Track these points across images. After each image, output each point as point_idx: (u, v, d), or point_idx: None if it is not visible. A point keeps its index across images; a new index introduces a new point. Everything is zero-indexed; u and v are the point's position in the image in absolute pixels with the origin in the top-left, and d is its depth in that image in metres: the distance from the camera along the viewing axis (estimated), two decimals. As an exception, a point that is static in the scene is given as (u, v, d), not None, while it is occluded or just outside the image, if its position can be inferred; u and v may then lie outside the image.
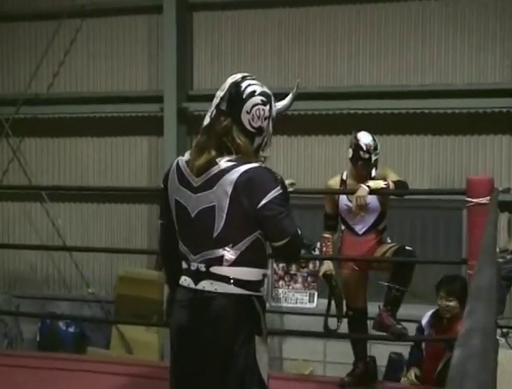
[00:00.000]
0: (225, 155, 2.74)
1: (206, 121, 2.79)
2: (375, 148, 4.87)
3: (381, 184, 4.71)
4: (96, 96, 8.63)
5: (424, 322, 5.41)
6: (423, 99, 7.52)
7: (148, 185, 8.39)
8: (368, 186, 4.69)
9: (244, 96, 2.77)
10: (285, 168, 7.79)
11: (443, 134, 7.56)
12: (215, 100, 2.79)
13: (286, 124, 7.69)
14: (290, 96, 3.06)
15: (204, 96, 7.84)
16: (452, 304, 5.25)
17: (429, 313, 5.51)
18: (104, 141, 8.69)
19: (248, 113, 2.76)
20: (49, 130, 8.90)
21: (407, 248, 4.82)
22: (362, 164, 4.89)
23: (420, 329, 5.41)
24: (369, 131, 5.00)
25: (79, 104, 8.62)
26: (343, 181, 5.06)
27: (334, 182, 5.10)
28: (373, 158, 4.86)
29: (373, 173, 4.93)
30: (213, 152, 2.73)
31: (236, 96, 2.76)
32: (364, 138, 4.89)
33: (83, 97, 8.67)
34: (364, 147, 4.85)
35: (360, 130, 5.00)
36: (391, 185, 4.72)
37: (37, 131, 8.92)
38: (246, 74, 2.86)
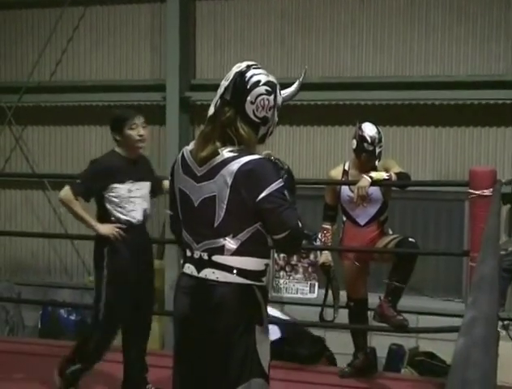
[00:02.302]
0: (228, 145, 2.73)
1: (211, 111, 2.77)
2: (379, 141, 4.86)
3: (383, 175, 4.72)
4: (98, 84, 8.61)
5: None
6: (426, 90, 7.49)
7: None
8: (370, 177, 4.69)
9: (248, 86, 2.74)
10: (287, 158, 7.64)
11: (446, 126, 7.54)
12: (220, 90, 2.77)
13: (288, 114, 7.69)
14: (296, 83, 3.03)
15: (207, 85, 7.86)
16: None
17: None
18: (106, 129, 8.52)
19: (252, 103, 2.74)
20: (51, 119, 8.89)
21: (410, 240, 4.82)
22: (366, 156, 4.88)
23: None
24: (373, 122, 5.01)
25: (82, 93, 8.60)
26: (345, 172, 5.06)
27: (337, 173, 5.11)
28: (377, 150, 4.86)
29: (376, 163, 4.93)
30: (217, 143, 2.73)
31: (240, 86, 2.74)
32: (369, 129, 4.88)
33: (85, 86, 8.65)
34: (369, 139, 4.84)
35: (364, 121, 4.99)
36: (393, 177, 4.72)
37: (40, 119, 8.92)
38: (252, 63, 2.83)
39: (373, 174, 4.73)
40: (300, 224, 2.69)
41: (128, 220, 4.16)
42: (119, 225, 4.14)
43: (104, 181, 4.14)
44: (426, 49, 7.56)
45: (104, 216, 4.18)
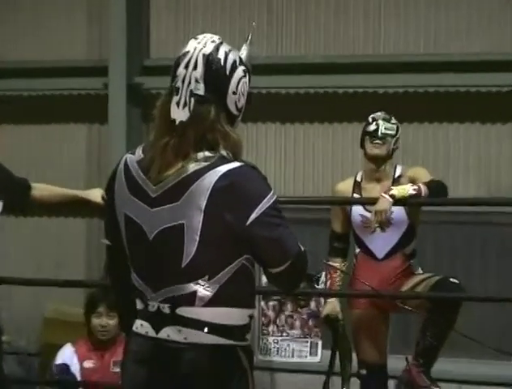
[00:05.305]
0: (199, 152, 2.70)
1: (182, 116, 2.69)
2: (387, 121, 5.12)
3: (409, 190, 4.74)
4: (19, 66, 8.64)
5: None
6: (462, 72, 7.54)
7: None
8: (391, 196, 4.69)
9: (227, 72, 2.76)
10: (276, 168, 7.87)
11: (497, 122, 7.55)
12: (187, 85, 2.71)
13: (279, 107, 7.68)
14: (244, 47, 2.92)
15: (165, 67, 7.71)
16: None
17: None
18: (27, 129, 8.70)
19: (234, 93, 2.78)
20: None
21: (452, 280, 4.86)
22: (369, 140, 5.11)
23: None
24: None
25: (-1, 79, 8.61)
26: (356, 184, 5.24)
27: (345, 187, 5.28)
28: (382, 129, 5.06)
29: (398, 170, 5.12)
30: (193, 155, 2.68)
31: (217, 74, 2.74)
32: (376, 113, 5.20)
33: (3, 68, 8.63)
34: (370, 119, 5.16)
35: None
36: (423, 190, 4.73)
37: None
38: (215, 36, 2.81)
39: (396, 191, 4.73)
40: (302, 248, 2.71)
41: None
42: None
43: None
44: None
45: None
